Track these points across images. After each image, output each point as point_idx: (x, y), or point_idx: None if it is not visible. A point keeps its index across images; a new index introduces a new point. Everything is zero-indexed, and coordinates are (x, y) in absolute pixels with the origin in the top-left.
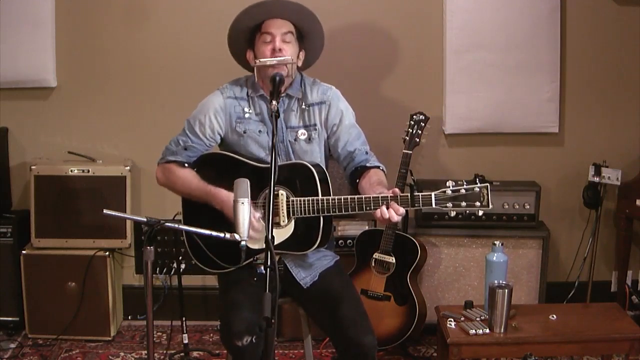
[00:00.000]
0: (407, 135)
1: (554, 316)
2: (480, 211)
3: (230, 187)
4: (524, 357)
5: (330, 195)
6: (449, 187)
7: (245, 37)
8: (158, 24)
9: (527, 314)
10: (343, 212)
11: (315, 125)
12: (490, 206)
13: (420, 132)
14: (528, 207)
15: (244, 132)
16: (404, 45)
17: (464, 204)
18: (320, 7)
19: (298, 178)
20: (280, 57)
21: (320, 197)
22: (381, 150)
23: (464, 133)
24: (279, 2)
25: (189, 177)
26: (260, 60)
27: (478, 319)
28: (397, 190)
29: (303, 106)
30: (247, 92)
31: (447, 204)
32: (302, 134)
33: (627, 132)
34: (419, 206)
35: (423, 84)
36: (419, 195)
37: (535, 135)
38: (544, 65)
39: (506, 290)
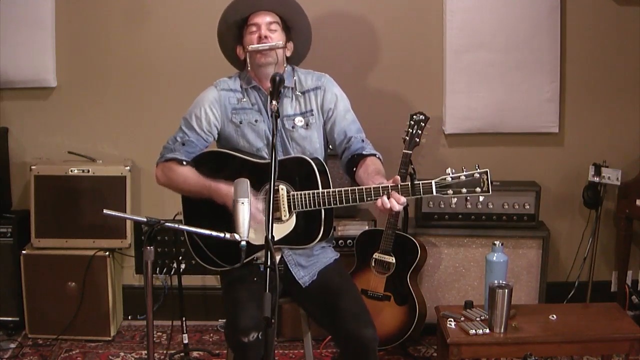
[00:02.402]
0: (407, 135)
1: (554, 316)
2: (481, 197)
3: (230, 184)
4: (524, 357)
5: (330, 187)
6: (449, 174)
7: (233, 34)
8: (158, 24)
9: (527, 314)
10: (344, 204)
11: (311, 110)
12: (491, 192)
13: (420, 132)
14: (528, 207)
15: (240, 123)
16: (404, 45)
17: (464, 190)
18: (319, 7)
19: (297, 172)
20: (268, 42)
21: (320, 190)
22: (381, 150)
23: (464, 133)
24: None
25: (189, 174)
26: (251, 46)
27: (478, 319)
28: (397, 178)
29: (298, 93)
30: (241, 84)
31: (448, 191)
32: (300, 120)
33: (627, 132)
34: (420, 195)
35: (423, 84)
36: (419, 183)
37: (535, 135)
38: (544, 65)
39: (506, 290)
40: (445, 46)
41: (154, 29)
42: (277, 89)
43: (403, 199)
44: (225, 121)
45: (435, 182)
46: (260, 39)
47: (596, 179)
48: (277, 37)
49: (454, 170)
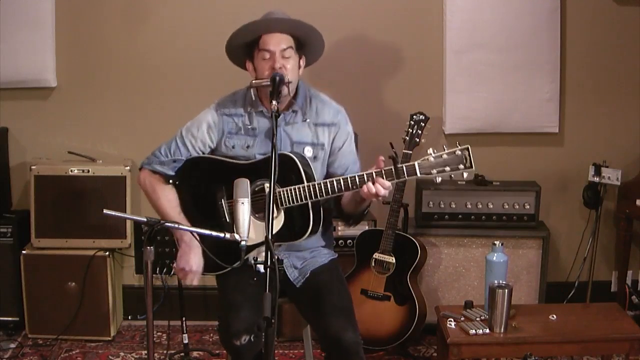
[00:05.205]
0: (407, 135)
1: (554, 316)
2: (465, 173)
3: (217, 188)
4: (524, 357)
5: (314, 180)
6: (431, 154)
7: (243, 51)
8: (158, 24)
9: (527, 314)
10: (330, 194)
11: (323, 145)
12: (474, 167)
13: (420, 132)
14: (528, 207)
15: (233, 147)
16: (404, 45)
17: (448, 168)
18: (319, 7)
19: (281, 169)
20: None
21: (305, 183)
22: (381, 151)
23: (464, 133)
24: (276, 19)
25: (168, 201)
26: (255, 81)
27: (478, 319)
28: (381, 162)
29: (314, 124)
30: (244, 108)
31: (432, 171)
32: (309, 150)
33: (627, 132)
34: (405, 177)
35: (423, 84)
36: (402, 166)
37: (535, 135)
38: (544, 65)
39: (506, 290)
40: (445, 46)
41: (154, 29)
42: (277, 88)
43: (388, 184)
44: (220, 143)
45: (418, 163)
46: (273, 70)
47: (596, 179)
48: (290, 65)
49: (435, 150)
